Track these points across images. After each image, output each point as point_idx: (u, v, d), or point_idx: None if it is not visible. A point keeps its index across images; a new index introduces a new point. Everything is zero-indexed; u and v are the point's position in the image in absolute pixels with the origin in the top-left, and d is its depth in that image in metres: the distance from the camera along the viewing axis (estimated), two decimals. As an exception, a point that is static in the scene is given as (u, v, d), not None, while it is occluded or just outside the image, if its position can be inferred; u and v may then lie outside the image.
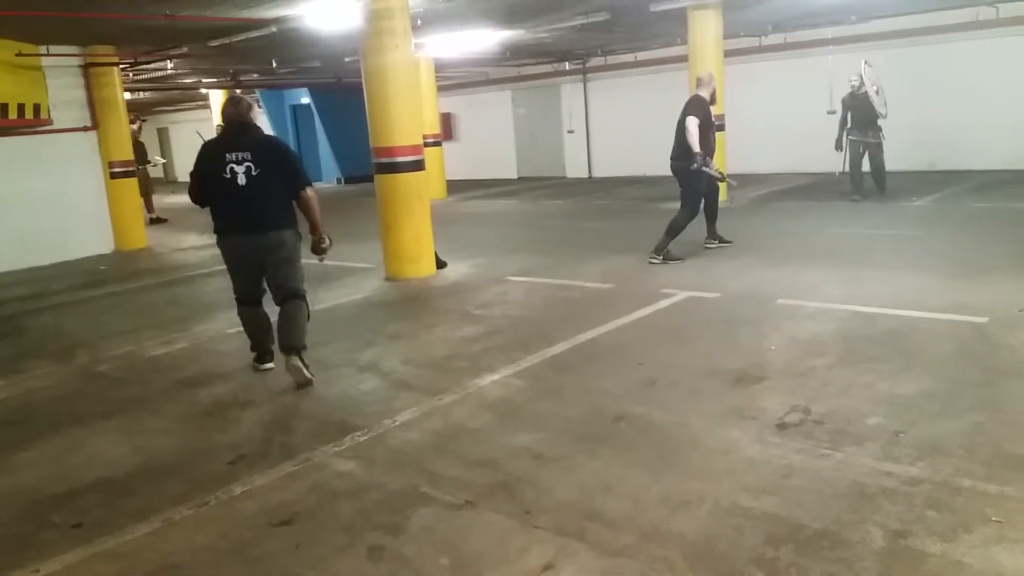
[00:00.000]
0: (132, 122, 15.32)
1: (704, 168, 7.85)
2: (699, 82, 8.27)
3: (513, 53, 15.87)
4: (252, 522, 3.30)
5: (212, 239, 5.31)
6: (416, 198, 8.11)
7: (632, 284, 7.13)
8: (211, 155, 4.94)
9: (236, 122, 4.98)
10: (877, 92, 10.66)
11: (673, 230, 7.99)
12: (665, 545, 2.88)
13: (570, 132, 19.53)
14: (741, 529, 2.95)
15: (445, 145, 17.68)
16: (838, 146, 11.19)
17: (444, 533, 3.09)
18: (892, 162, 11.46)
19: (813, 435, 3.71)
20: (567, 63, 18.54)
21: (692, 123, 7.79)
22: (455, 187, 17.56)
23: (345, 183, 21.44)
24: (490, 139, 20.86)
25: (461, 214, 14.22)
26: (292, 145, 22.84)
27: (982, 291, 6.02)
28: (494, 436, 4.00)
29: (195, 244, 11.83)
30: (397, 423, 4.25)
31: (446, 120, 20.14)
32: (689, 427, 3.94)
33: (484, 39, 13.07)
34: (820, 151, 12.80)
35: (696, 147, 7.73)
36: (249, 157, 4.84)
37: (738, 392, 4.36)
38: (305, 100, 21.56)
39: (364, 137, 8.20)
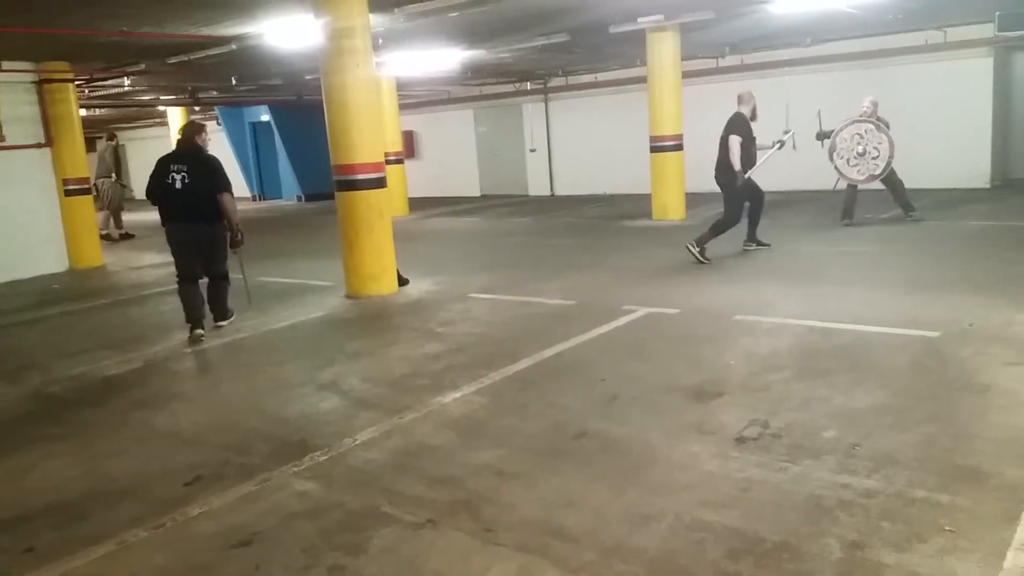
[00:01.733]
0: (111, 138, 15.18)
1: (747, 177, 8.47)
2: (740, 99, 8.71)
3: (475, 72, 15.95)
4: (210, 544, 3.24)
5: (169, 259, 6.95)
6: (377, 215, 8.08)
7: (594, 301, 7.18)
8: (161, 166, 6.69)
9: (184, 141, 6.80)
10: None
11: (717, 229, 8.61)
12: (627, 560, 2.89)
13: (532, 151, 19.63)
14: (702, 543, 2.97)
15: (407, 163, 17.69)
16: (820, 137, 10.65)
17: (405, 553, 3.06)
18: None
19: (771, 449, 3.75)
20: (528, 83, 18.67)
21: (735, 142, 8.32)
22: (417, 204, 17.55)
23: (306, 201, 21.28)
24: (452, 157, 20.89)
25: (423, 231, 14.20)
26: (251, 162, 22.91)
27: (935, 306, 6.17)
28: (456, 454, 3.98)
29: (152, 263, 11.64)
30: (358, 442, 4.22)
31: (408, 138, 20.14)
32: (650, 442, 3.97)
33: (446, 58, 13.13)
34: (777, 170, 13.01)
35: (738, 165, 8.30)
36: (185, 168, 6.60)
37: (698, 407, 4.40)
38: (265, 117, 21.41)
39: (325, 154, 8.16)
